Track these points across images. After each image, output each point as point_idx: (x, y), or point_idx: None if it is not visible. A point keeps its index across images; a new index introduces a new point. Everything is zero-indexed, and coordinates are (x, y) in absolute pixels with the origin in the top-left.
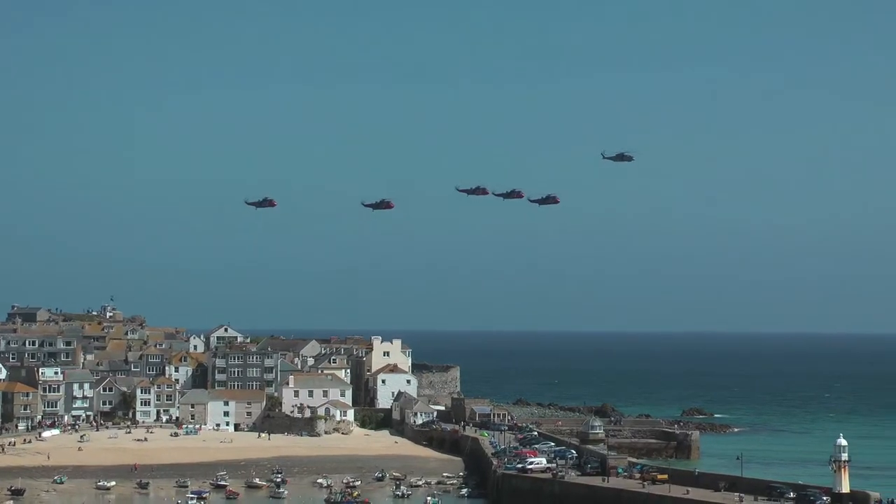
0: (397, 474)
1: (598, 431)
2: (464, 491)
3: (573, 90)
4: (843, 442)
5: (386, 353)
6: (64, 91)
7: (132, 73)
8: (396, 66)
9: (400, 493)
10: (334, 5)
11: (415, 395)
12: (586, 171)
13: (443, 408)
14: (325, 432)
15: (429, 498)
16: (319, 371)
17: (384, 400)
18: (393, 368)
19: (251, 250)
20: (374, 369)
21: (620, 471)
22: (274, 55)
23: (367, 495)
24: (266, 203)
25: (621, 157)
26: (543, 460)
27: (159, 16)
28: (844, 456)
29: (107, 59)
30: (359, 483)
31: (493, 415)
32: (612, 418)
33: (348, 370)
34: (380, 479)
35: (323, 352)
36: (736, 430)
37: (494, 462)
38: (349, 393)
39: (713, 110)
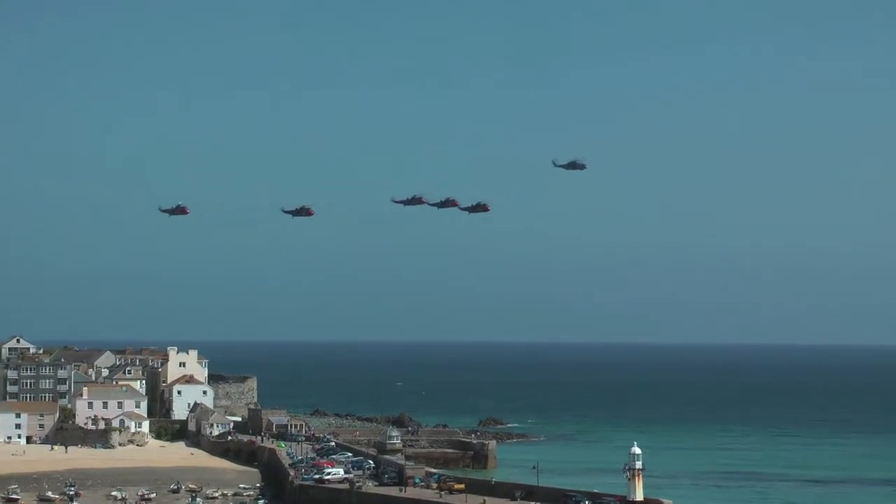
0: (193, 486)
1: (395, 441)
2: (261, 502)
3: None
4: (637, 450)
5: (182, 364)
6: None
7: None
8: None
9: None
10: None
11: (211, 406)
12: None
13: (239, 419)
14: (120, 444)
15: None
16: (114, 382)
17: (180, 411)
18: (189, 379)
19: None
20: (169, 380)
21: (418, 481)
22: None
23: None
24: (178, 210)
25: (573, 166)
26: (341, 471)
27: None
28: (638, 464)
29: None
30: (154, 495)
31: (291, 425)
32: (410, 428)
33: (143, 381)
34: (175, 491)
35: (118, 363)
36: (533, 439)
37: (291, 473)
38: (144, 404)
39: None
